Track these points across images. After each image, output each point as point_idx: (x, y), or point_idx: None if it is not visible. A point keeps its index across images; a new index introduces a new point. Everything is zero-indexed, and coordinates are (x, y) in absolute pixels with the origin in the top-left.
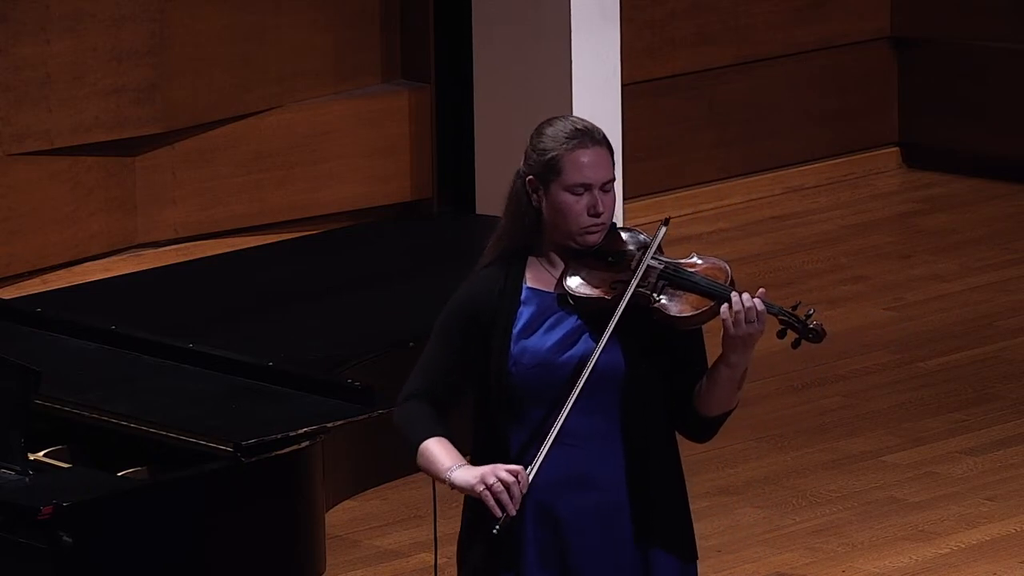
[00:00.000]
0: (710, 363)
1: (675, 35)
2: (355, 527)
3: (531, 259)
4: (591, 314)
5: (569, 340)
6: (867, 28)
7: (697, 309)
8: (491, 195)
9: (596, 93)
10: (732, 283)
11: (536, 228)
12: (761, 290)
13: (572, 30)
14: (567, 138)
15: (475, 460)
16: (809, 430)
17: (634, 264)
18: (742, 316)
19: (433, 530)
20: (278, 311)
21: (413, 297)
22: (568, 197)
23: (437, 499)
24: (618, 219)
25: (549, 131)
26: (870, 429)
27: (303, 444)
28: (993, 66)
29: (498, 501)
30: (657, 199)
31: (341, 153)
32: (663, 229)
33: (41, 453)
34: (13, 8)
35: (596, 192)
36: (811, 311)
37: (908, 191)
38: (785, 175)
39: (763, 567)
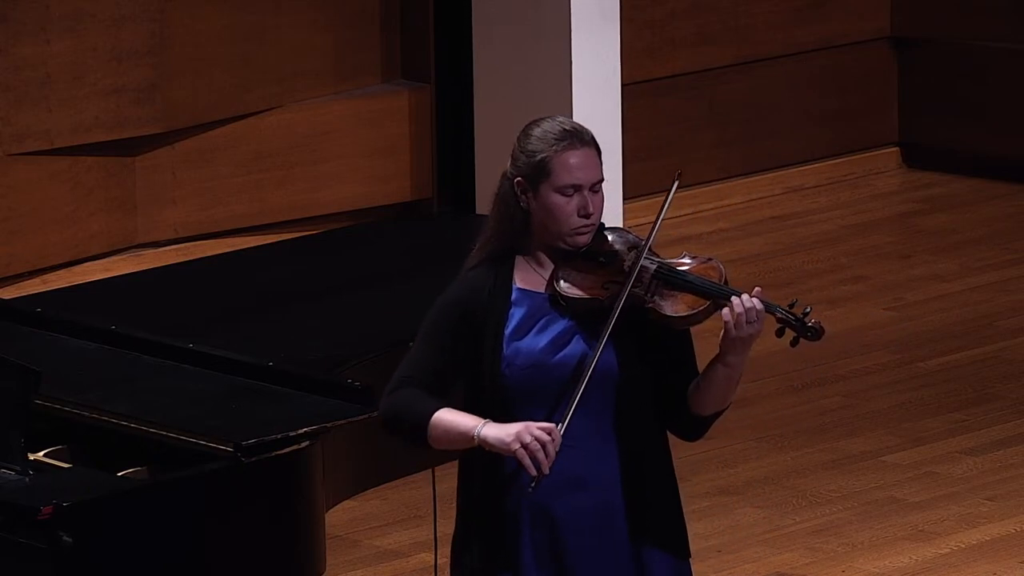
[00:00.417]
0: (701, 362)
1: (675, 35)
2: (355, 527)
3: (519, 259)
4: (583, 314)
5: (562, 341)
6: (867, 28)
7: (693, 309)
8: (491, 195)
9: (596, 93)
10: (725, 282)
11: (525, 229)
12: (757, 289)
13: (572, 30)
14: (556, 139)
15: (467, 462)
16: (809, 430)
17: (628, 264)
18: (743, 317)
19: (433, 530)
20: (278, 311)
21: (413, 297)
22: (558, 198)
23: (437, 499)
24: (618, 219)
25: (537, 132)
26: (870, 429)
27: (303, 444)
28: (993, 66)
29: (533, 460)
30: (657, 199)
31: (341, 153)
32: (676, 184)
33: (41, 453)
34: (13, 8)
35: (586, 193)
36: (808, 309)
37: (908, 191)
38: (785, 175)
39: (763, 567)
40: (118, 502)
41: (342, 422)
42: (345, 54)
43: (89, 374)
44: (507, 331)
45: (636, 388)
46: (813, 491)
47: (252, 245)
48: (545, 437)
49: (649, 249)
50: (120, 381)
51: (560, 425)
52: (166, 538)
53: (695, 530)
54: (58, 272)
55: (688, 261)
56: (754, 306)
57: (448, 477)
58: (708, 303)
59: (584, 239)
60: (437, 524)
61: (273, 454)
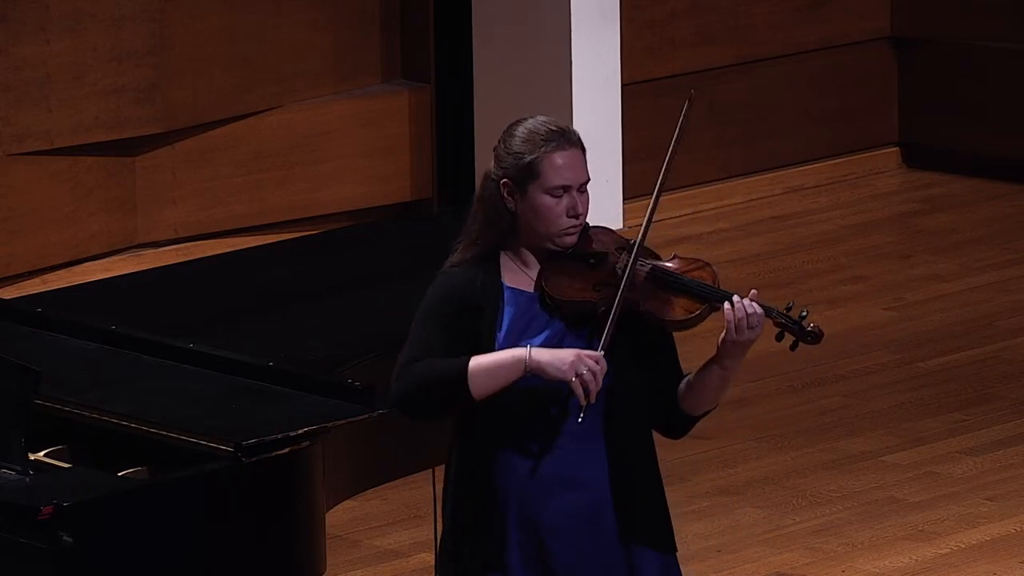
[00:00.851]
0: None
1: (675, 35)
2: (355, 527)
3: (503, 258)
4: (574, 316)
5: (553, 342)
6: (867, 28)
7: (690, 313)
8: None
9: (596, 93)
10: (718, 284)
11: (511, 230)
12: (753, 292)
13: (572, 30)
14: (544, 140)
15: (460, 463)
16: (809, 430)
17: (620, 267)
18: (744, 321)
19: (433, 530)
20: (278, 311)
21: (413, 297)
22: (548, 199)
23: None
24: (618, 219)
25: (522, 132)
26: (870, 429)
27: (303, 444)
28: (993, 66)
29: (586, 390)
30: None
31: (341, 153)
32: (687, 104)
33: (41, 453)
34: (13, 8)
35: (574, 193)
36: (804, 312)
37: (908, 191)
38: (785, 175)
39: (763, 567)
40: (118, 502)
41: (342, 422)
42: (345, 54)
43: (89, 374)
44: (500, 332)
45: (626, 389)
46: (813, 491)
47: (252, 245)
48: (596, 367)
49: (639, 248)
50: (120, 381)
51: (601, 349)
52: (166, 538)
53: (695, 530)
54: (58, 272)
55: (678, 263)
56: (756, 312)
57: None
58: (704, 306)
59: (572, 240)
60: (437, 524)
61: (273, 454)
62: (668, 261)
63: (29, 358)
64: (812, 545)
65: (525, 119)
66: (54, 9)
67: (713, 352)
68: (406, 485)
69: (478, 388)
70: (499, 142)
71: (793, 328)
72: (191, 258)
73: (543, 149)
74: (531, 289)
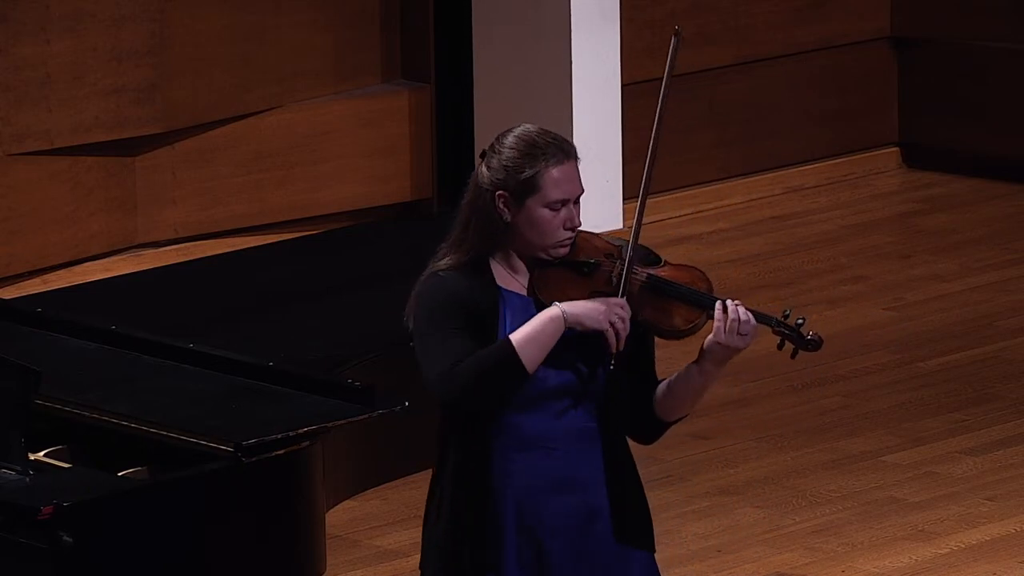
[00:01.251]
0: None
1: None
2: (355, 527)
3: (492, 262)
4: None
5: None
6: (867, 28)
7: (690, 322)
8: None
9: (596, 93)
10: (712, 291)
11: (503, 239)
12: (736, 301)
13: (572, 30)
14: (543, 154)
15: (458, 463)
16: (809, 430)
17: (615, 276)
18: (736, 326)
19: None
20: (278, 311)
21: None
22: (546, 213)
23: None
24: (618, 219)
25: (520, 144)
26: (870, 429)
27: (303, 444)
28: (993, 66)
29: (617, 338)
30: (657, 199)
31: (341, 153)
32: (675, 40)
33: (41, 453)
34: (13, 8)
35: (571, 206)
36: (801, 320)
37: (908, 191)
38: (785, 175)
39: (763, 567)
40: (118, 502)
41: (342, 422)
42: (345, 54)
43: (89, 374)
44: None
45: (619, 392)
46: (813, 491)
47: (252, 245)
48: (624, 313)
49: (632, 252)
50: (120, 381)
51: (623, 295)
52: (166, 538)
53: (695, 530)
54: (58, 272)
55: (673, 270)
56: (749, 320)
57: None
58: (703, 315)
59: (566, 251)
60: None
61: (273, 454)
62: (662, 268)
63: (29, 358)
64: (812, 545)
65: (516, 128)
66: (54, 9)
67: (694, 357)
68: (406, 485)
69: (530, 359)
70: (491, 151)
71: (793, 337)
72: (191, 258)
73: (543, 163)
74: (524, 293)
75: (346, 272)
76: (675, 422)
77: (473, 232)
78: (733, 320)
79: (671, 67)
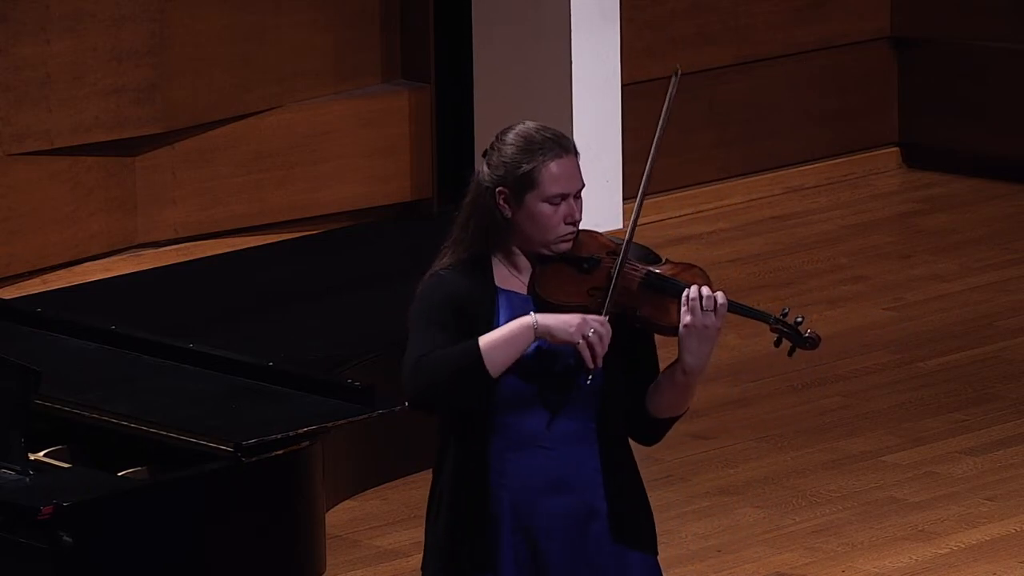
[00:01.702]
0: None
1: (675, 35)
2: (355, 527)
3: (494, 260)
4: None
5: (548, 348)
6: (867, 28)
7: None
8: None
9: (596, 93)
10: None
11: (505, 235)
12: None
13: (572, 30)
14: (541, 149)
15: (456, 463)
16: (809, 430)
17: (614, 271)
18: (699, 302)
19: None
20: (278, 311)
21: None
22: (545, 208)
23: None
24: (618, 219)
25: (518, 140)
26: (870, 429)
27: (303, 444)
28: (993, 66)
29: (592, 353)
30: (657, 199)
31: (341, 153)
32: (675, 79)
33: (41, 453)
34: (13, 8)
35: (571, 200)
36: (800, 319)
37: (908, 191)
38: (785, 175)
39: (763, 567)
40: (118, 502)
41: (342, 422)
42: (345, 54)
43: (89, 374)
44: None
45: (616, 391)
46: (813, 491)
47: (252, 245)
48: (601, 330)
49: (627, 247)
50: (120, 381)
51: (605, 315)
52: (166, 538)
53: (695, 530)
54: (58, 272)
55: (671, 267)
56: (713, 297)
57: None
58: None
59: (568, 246)
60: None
61: (273, 454)
62: (661, 266)
63: (29, 358)
64: (812, 545)
65: (516, 125)
66: (54, 9)
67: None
68: (406, 485)
69: (494, 363)
70: (492, 149)
71: (790, 334)
72: (191, 258)
73: (541, 158)
74: (523, 292)
75: (346, 272)
76: (673, 422)
77: (473, 229)
78: (694, 298)
79: (669, 107)
